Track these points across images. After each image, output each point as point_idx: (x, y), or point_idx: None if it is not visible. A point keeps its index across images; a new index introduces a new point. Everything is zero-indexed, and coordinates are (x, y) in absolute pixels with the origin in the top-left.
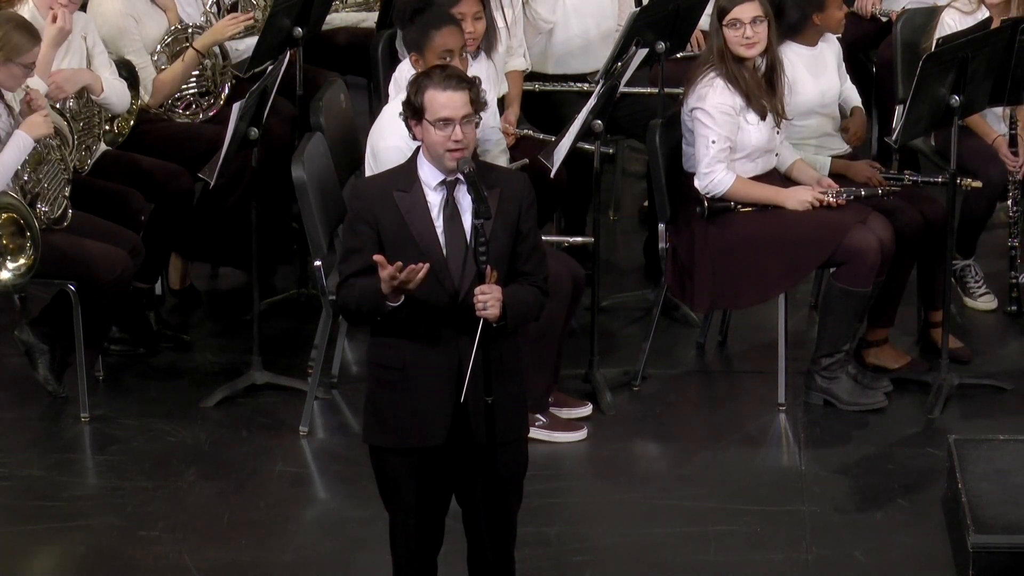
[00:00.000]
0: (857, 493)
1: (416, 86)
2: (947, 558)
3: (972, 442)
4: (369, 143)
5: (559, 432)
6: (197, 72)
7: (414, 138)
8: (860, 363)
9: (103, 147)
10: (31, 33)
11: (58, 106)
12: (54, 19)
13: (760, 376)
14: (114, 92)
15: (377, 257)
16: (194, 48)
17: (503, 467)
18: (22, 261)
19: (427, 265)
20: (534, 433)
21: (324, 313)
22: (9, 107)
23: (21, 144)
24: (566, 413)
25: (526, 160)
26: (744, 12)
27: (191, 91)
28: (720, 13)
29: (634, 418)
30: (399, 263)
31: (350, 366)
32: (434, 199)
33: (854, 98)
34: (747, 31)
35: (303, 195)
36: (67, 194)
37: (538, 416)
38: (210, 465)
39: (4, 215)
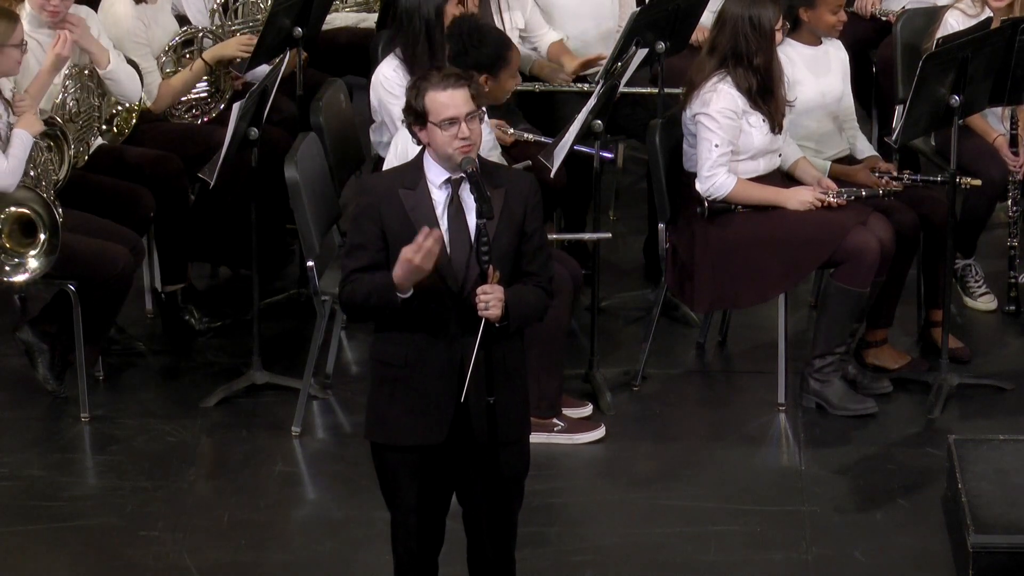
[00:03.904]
0: (857, 493)
1: (416, 91)
2: (947, 558)
3: (972, 442)
4: (404, 140)
5: (579, 434)
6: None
7: (419, 143)
8: (860, 363)
9: (100, 141)
10: (9, 15)
11: (58, 116)
12: (55, 20)
13: (760, 376)
14: (122, 71)
15: (426, 229)
16: (203, 59)
17: (504, 468)
18: (42, 238)
19: (434, 232)
20: (555, 439)
21: (318, 313)
22: (7, 102)
23: (26, 140)
24: (566, 413)
25: (529, 161)
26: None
27: (196, 95)
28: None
29: (634, 418)
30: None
31: (349, 366)
32: (439, 197)
33: (867, 148)
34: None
35: (296, 195)
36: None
37: (555, 421)
38: (210, 465)
39: (17, 210)
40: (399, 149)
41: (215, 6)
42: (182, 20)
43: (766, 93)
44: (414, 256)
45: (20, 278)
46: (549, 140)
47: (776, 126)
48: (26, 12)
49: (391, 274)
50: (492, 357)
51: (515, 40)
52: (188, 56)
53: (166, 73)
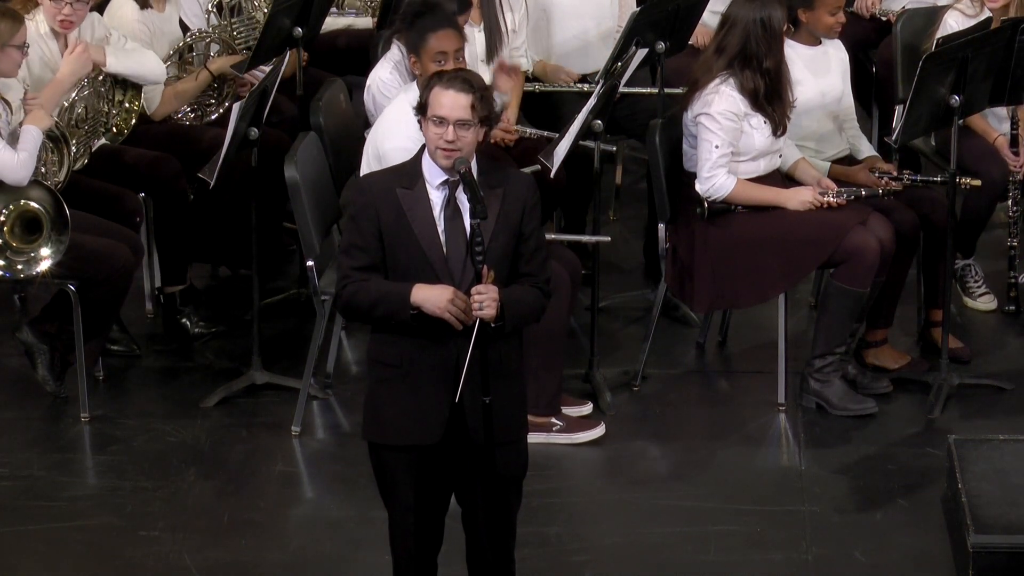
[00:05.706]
0: (857, 493)
1: (427, 82)
2: (947, 558)
3: (972, 442)
4: (372, 143)
5: (578, 433)
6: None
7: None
8: (860, 363)
9: (101, 141)
10: (14, 16)
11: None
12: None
13: (760, 376)
14: (130, 64)
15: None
16: (208, 70)
17: (502, 467)
18: (47, 232)
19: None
20: (554, 439)
21: (318, 313)
22: (6, 102)
23: (36, 135)
24: (566, 412)
25: (538, 166)
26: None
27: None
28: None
29: (634, 418)
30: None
31: (349, 366)
32: (436, 197)
33: (868, 148)
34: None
35: (296, 195)
36: None
37: (554, 420)
38: (210, 465)
39: (23, 205)
40: (371, 151)
41: (210, 7)
42: (184, 26)
43: (773, 96)
44: (445, 312)
45: (39, 269)
46: (554, 135)
47: (779, 128)
48: (40, 18)
49: (407, 289)
50: (488, 357)
51: (511, 42)
52: (191, 60)
53: (170, 78)
